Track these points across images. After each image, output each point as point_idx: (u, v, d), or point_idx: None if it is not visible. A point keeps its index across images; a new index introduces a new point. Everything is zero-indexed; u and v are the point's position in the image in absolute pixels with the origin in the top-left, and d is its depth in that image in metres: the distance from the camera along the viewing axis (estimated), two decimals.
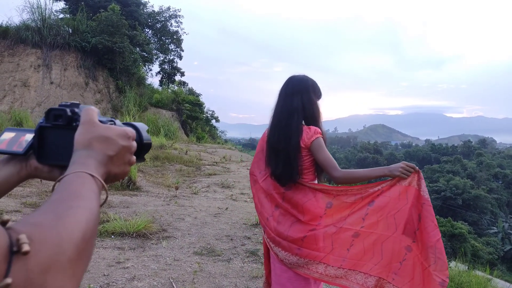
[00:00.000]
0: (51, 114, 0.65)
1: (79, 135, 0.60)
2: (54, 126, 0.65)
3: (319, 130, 2.04)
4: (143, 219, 4.48)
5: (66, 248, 0.42)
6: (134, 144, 0.67)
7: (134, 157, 0.68)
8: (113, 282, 3.00)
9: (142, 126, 0.77)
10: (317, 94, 2.11)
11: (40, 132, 0.65)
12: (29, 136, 0.68)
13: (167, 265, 3.50)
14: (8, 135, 0.69)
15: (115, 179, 0.64)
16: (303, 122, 2.05)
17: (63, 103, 0.67)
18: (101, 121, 0.64)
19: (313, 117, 2.07)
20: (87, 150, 0.59)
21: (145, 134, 0.76)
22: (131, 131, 0.66)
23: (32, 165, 0.67)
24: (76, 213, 0.47)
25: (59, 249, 0.41)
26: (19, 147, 0.67)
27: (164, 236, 4.33)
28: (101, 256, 3.54)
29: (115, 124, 0.67)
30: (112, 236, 4.15)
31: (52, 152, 0.65)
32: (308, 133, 1.99)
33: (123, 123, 0.73)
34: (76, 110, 0.65)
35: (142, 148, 0.75)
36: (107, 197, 0.59)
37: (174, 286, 3.06)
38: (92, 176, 0.55)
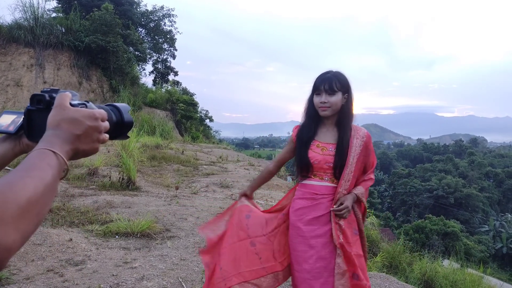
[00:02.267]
0: (34, 99, 0.75)
1: (50, 117, 0.70)
2: (37, 109, 0.74)
3: (296, 125, 2.21)
4: (146, 219, 4.45)
5: (9, 207, 0.51)
6: (103, 124, 0.75)
7: (105, 135, 0.76)
8: (122, 282, 2.97)
9: (124, 107, 0.87)
10: (312, 89, 2.14)
11: (28, 114, 0.75)
12: (20, 118, 0.79)
13: (174, 264, 3.48)
14: (5, 117, 0.80)
15: (85, 154, 0.73)
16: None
17: (45, 89, 0.76)
18: (72, 105, 0.72)
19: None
20: (55, 130, 0.68)
21: (126, 114, 0.86)
22: (99, 112, 0.74)
23: (24, 142, 0.79)
24: (25, 181, 0.56)
25: (3, 208, 0.51)
26: (12, 128, 0.78)
27: (168, 236, 4.30)
28: (108, 256, 3.51)
29: (86, 107, 0.75)
30: (117, 236, 4.11)
31: (38, 131, 0.73)
32: None
33: (107, 105, 0.85)
34: (54, 95, 0.74)
35: (123, 126, 0.86)
36: (67, 170, 0.66)
37: (184, 285, 3.04)
38: (54, 152, 0.64)
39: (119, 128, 0.85)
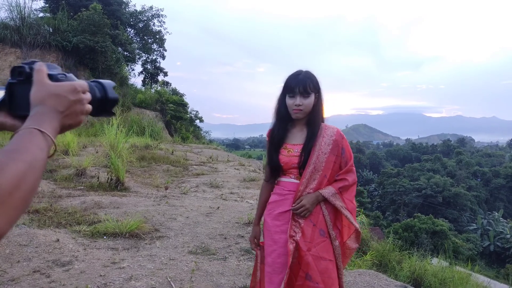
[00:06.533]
0: (15, 71, 0.75)
1: (33, 94, 0.70)
2: (18, 82, 0.74)
3: (267, 133, 2.21)
4: (135, 219, 4.41)
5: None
6: (86, 96, 0.76)
7: (89, 106, 0.77)
8: (110, 282, 2.94)
9: (108, 83, 0.87)
10: (284, 90, 2.08)
11: (10, 88, 0.76)
12: (1, 93, 0.78)
13: (163, 264, 3.45)
14: None
15: (70, 128, 0.75)
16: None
17: (25, 61, 0.76)
18: (52, 75, 0.73)
19: (274, 116, 2.18)
20: (41, 106, 0.69)
21: (110, 90, 0.86)
22: (80, 84, 0.75)
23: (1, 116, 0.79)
24: (13, 165, 0.56)
25: None
26: None
27: (157, 236, 4.27)
28: (96, 256, 3.46)
29: (66, 77, 0.76)
30: (105, 237, 4.06)
31: (20, 104, 0.74)
32: None
33: (91, 81, 0.84)
34: (34, 66, 0.74)
35: (107, 102, 0.85)
36: (55, 150, 0.68)
37: (173, 285, 3.02)
38: (42, 132, 0.65)
39: (103, 105, 0.85)
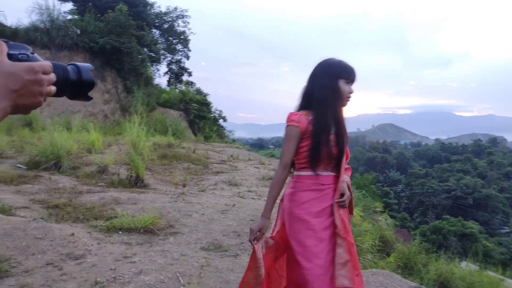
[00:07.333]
0: None
1: None
2: None
3: (292, 117, 1.97)
4: (150, 215, 4.46)
5: None
6: (46, 77, 0.73)
7: (51, 88, 0.75)
8: (120, 276, 2.98)
9: (85, 66, 0.85)
10: (338, 75, 1.95)
11: None
12: None
13: (174, 260, 3.47)
14: None
15: (26, 109, 0.72)
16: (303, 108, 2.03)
17: None
18: (12, 55, 0.71)
19: (318, 101, 1.96)
20: None
21: (85, 72, 0.84)
22: (40, 65, 0.72)
23: None
24: None
25: None
26: None
27: (172, 232, 4.31)
28: (108, 251, 3.52)
29: (28, 57, 0.74)
30: (120, 232, 4.13)
31: None
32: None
33: (69, 64, 0.84)
34: None
35: (82, 84, 0.84)
36: None
37: (181, 280, 3.03)
38: None
39: (78, 87, 0.84)
